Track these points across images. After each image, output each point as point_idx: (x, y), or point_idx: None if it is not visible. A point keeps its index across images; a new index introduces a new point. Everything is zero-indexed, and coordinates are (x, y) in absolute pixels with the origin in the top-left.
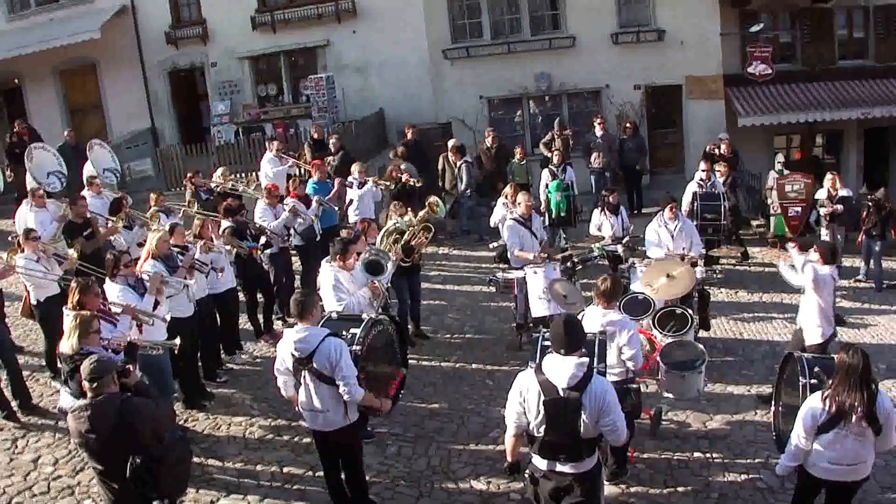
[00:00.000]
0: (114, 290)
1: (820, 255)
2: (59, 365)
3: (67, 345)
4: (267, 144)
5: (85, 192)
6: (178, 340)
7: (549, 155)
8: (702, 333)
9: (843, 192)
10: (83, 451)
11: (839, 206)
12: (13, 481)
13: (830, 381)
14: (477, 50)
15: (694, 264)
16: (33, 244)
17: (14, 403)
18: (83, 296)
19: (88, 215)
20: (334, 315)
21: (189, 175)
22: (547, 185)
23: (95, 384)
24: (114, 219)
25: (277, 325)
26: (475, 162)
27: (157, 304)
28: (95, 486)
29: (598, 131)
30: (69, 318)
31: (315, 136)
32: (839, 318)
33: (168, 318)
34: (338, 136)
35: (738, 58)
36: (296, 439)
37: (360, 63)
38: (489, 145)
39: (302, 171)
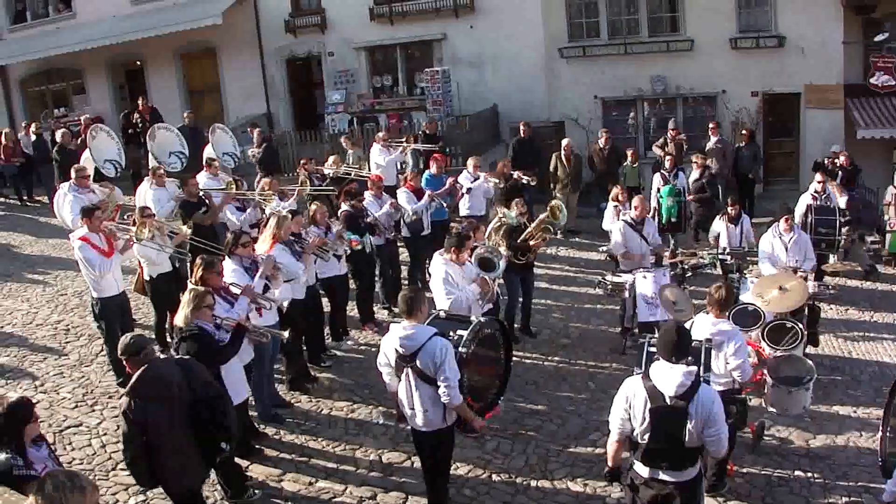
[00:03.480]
0: (228, 268)
1: None
2: (169, 339)
3: (181, 316)
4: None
5: (201, 174)
6: (286, 333)
7: (662, 158)
8: (810, 349)
9: None
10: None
11: None
12: (119, 448)
13: None
14: (593, 49)
15: (805, 278)
16: (149, 221)
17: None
18: (206, 272)
19: (201, 193)
20: (442, 314)
21: (303, 161)
22: (659, 190)
23: (142, 355)
24: (227, 187)
25: (383, 313)
26: (587, 161)
27: (266, 287)
28: None
29: (713, 137)
30: (188, 291)
31: (427, 130)
32: None
33: (284, 304)
34: (260, 129)
35: (860, 67)
36: (396, 428)
37: (475, 58)
38: (602, 146)
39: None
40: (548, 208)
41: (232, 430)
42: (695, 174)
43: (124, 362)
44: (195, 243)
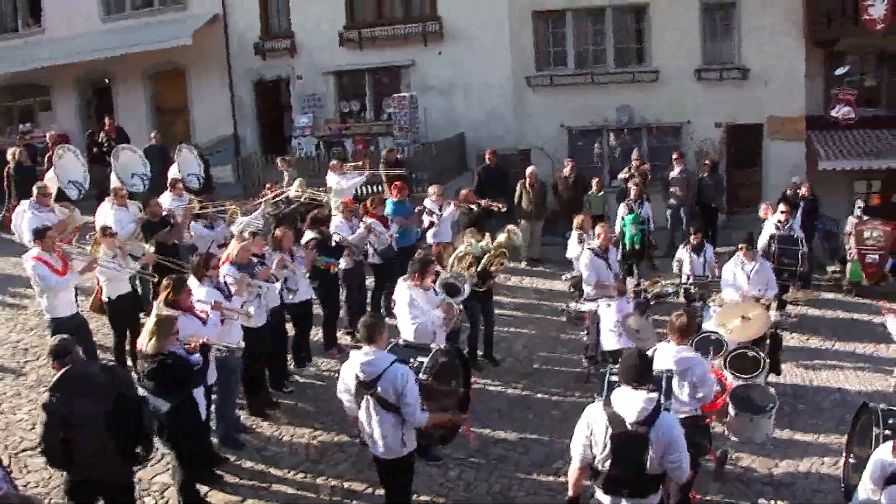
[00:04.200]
0: (200, 292)
1: None
2: (129, 361)
3: (150, 345)
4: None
5: (165, 195)
6: (242, 344)
7: (627, 187)
8: (772, 378)
9: None
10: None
11: None
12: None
13: None
14: (560, 79)
15: (767, 307)
16: (109, 241)
17: None
18: (177, 293)
19: (164, 213)
20: (401, 342)
21: (268, 185)
22: (622, 218)
23: (68, 358)
24: (189, 204)
25: (346, 339)
26: (552, 190)
27: (244, 303)
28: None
29: (677, 167)
30: (152, 317)
31: (388, 158)
32: None
33: (252, 311)
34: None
35: (821, 100)
36: (358, 455)
37: (443, 85)
38: (567, 174)
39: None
40: (504, 231)
41: (149, 436)
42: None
43: (51, 364)
44: (159, 262)
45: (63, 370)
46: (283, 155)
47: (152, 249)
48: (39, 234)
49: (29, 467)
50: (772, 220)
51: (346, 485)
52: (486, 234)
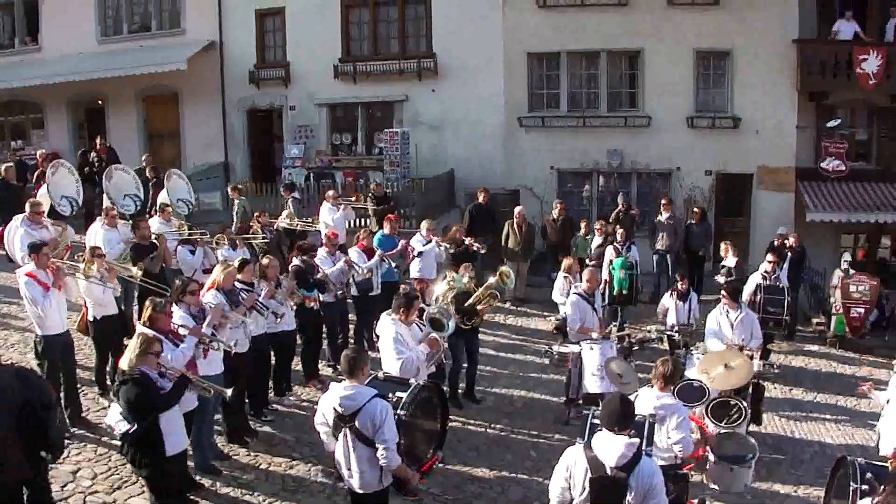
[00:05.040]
0: (176, 315)
1: None
2: (109, 382)
3: (125, 360)
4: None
5: (153, 219)
6: (230, 392)
7: (614, 231)
8: (753, 427)
9: None
10: None
11: None
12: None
13: (882, 489)
14: (552, 120)
15: (751, 356)
16: (98, 262)
17: (66, 412)
18: (156, 314)
19: (153, 238)
20: (381, 375)
21: (256, 214)
22: (611, 262)
23: None
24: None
25: (328, 371)
26: (540, 231)
27: (213, 334)
28: None
29: (665, 213)
30: (135, 336)
31: (375, 193)
32: None
33: (233, 345)
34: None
35: (811, 152)
36: (334, 487)
37: (436, 121)
38: (556, 216)
39: (366, 221)
40: (497, 273)
41: (54, 441)
42: (597, 240)
43: None
44: (144, 285)
45: None
46: (274, 183)
47: (140, 273)
48: (35, 248)
49: None
50: (757, 272)
51: None
52: (470, 269)
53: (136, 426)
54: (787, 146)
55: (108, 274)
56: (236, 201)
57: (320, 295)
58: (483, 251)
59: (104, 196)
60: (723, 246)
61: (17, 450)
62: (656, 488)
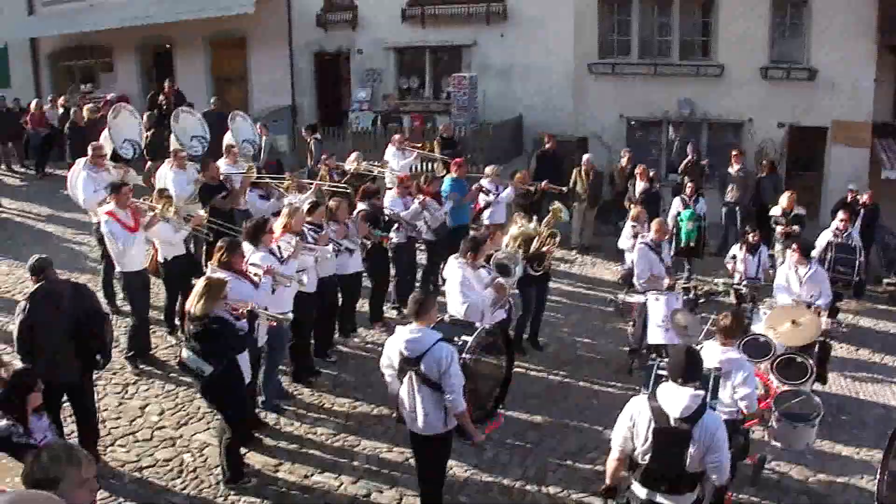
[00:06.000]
0: (255, 256)
1: None
2: (177, 321)
3: (198, 307)
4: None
5: (220, 161)
6: (290, 315)
7: (682, 182)
8: (817, 386)
9: None
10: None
11: None
12: (119, 424)
13: None
14: (622, 67)
15: (819, 314)
16: (168, 202)
17: (134, 351)
18: (231, 255)
19: (222, 178)
20: (447, 318)
21: (324, 157)
22: (678, 213)
23: (42, 273)
24: (247, 171)
25: (392, 314)
26: (608, 179)
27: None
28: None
29: (736, 165)
30: (202, 280)
31: (444, 134)
32: None
33: (305, 280)
34: (148, 113)
35: (889, 107)
36: (396, 428)
37: (504, 66)
38: (624, 165)
39: (431, 165)
40: (550, 211)
41: (108, 345)
42: (640, 185)
43: (30, 278)
44: (212, 226)
45: (38, 284)
46: (339, 127)
47: (206, 214)
48: (116, 189)
49: (72, 417)
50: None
51: (381, 455)
52: (535, 218)
53: (215, 367)
54: (863, 100)
55: (175, 216)
56: (264, 138)
57: (393, 235)
58: (565, 190)
59: (171, 138)
60: (786, 194)
61: (70, 355)
62: (719, 442)
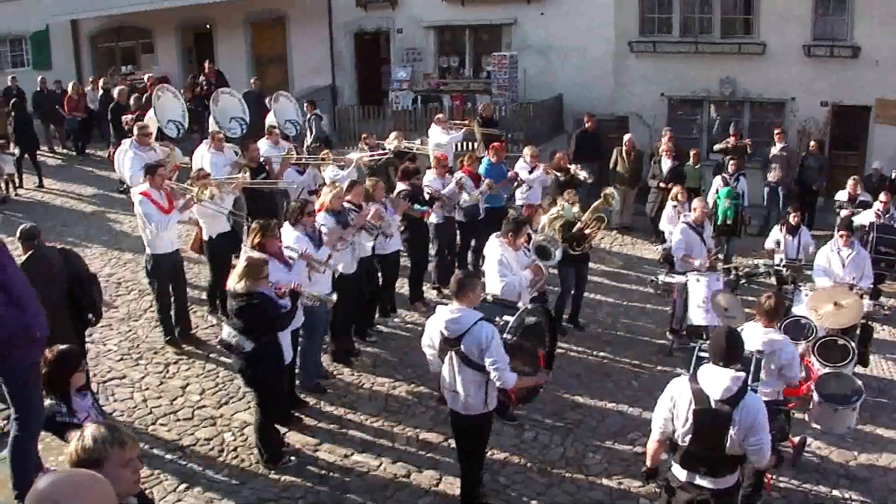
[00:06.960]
0: (291, 236)
1: None
2: (218, 301)
3: (240, 285)
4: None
5: (261, 141)
6: (334, 297)
7: (724, 161)
8: (858, 369)
9: None
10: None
11: None
12: (160, 403)
13: None
14: (663, 46)
15: (861, 296)
16: (204, 183)
17: (176, 330)
18: (264, 237)
19: (261, 159)
20: (489, 297)
21: (364, 136)
22: (717, 191)
23: (34, 240)
24: (287, 153)
25: (432, 294)
26: (648, 159)
27: (329, 256)
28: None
29: (779, 144)
30: (242, 259)
31: (483, 114)
32: None
33: (339, 267)
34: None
35: None
36: (435, 409)
37: (543, 45)
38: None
39: (473, 145)
40: (602, 196)
41: (98, 306)
42: (667, 162)
43: (20, 245)
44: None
45: (30, 252)
46: (380, 107)
47: (247, 175)
48: (151, 170)
49: (115, 395)
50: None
51: (421, 436)
52: (574, 195)
53: (257, 344)
54: None
55: (218, 194)
56: (310, 115)
57: (433, 215)
58: (590, 181)
59: (210, 119)
60: (851, 181)
61: (66, 321)
62: (759, 424)
